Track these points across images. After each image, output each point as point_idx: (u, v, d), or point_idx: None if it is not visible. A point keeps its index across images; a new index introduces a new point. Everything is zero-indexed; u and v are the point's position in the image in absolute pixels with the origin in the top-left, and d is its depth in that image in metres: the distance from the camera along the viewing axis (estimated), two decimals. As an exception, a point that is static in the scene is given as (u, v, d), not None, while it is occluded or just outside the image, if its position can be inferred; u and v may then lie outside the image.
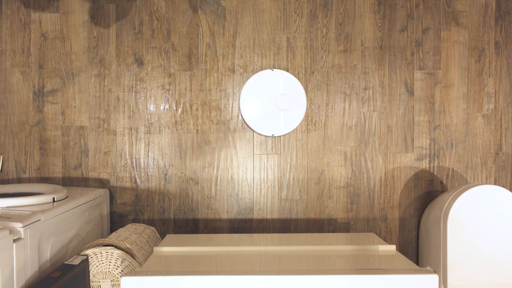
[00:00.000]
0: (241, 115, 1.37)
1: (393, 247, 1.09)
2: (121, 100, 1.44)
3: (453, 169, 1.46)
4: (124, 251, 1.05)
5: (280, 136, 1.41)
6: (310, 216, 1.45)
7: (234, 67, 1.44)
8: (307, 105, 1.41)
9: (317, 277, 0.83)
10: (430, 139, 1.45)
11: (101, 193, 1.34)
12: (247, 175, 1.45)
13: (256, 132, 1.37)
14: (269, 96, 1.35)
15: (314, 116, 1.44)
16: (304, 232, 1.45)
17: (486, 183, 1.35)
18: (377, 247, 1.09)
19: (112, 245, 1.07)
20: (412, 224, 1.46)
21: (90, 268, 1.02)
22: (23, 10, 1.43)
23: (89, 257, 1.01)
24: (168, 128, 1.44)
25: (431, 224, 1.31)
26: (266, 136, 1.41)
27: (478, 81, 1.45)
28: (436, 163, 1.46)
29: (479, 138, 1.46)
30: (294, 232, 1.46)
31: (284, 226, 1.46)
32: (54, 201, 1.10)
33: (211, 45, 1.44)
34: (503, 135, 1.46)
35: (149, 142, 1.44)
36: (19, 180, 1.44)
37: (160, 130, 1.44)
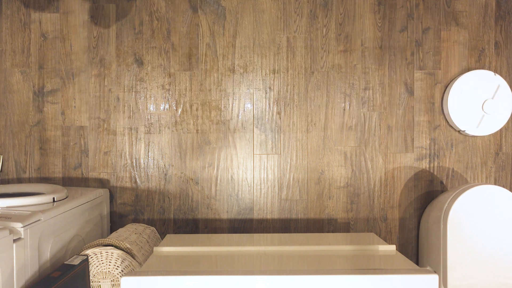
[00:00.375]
0: (445, 110, 1.40)
1: (393, 247, 1.09)
2: (121, 100, 1.44)
3: (453, 169, 1.46)
4: (124, 251, 1.05)
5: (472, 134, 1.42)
6: (310, 216, 1.45)
7: (234, 67, 1.44)
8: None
9: (317, 277, 0.83)
10: (430, 139, 1.45)
11: (101, 193, 1.34)
12: (247, 175, 1.45)
13: (463, 132, 1.40)
14: (475, 97, 1.39)
15: (314, 116, 1.44)
16: (304, 232, 1.45)
17: (486, 183, 1.35)
18: (377, 247, 1.09)
19: (112, 245, 1.07)
20: (412, 224, 1.46)
21: (90, 268, 1.02)
22: (23, 10, 1.43)
23: (89, 257, 1.01)
24: (168, 128, 1.44)
25: (431, 224, 1.31)
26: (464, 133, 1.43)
27: (478, 81, 1.45)
28: (436, 163, 1.46)
29: (479, 138, 1.46)
30: (294, 232, 1.46)
31: (284, 226, 1.46)
32: (54, 201, 1.10)
33: (211, 45, 1.44)
34: (503, 135, 1.46)
35: (149, 142, 1.44)
36: (19, 180, 1.44)
37: (160, 130, 1.44)
